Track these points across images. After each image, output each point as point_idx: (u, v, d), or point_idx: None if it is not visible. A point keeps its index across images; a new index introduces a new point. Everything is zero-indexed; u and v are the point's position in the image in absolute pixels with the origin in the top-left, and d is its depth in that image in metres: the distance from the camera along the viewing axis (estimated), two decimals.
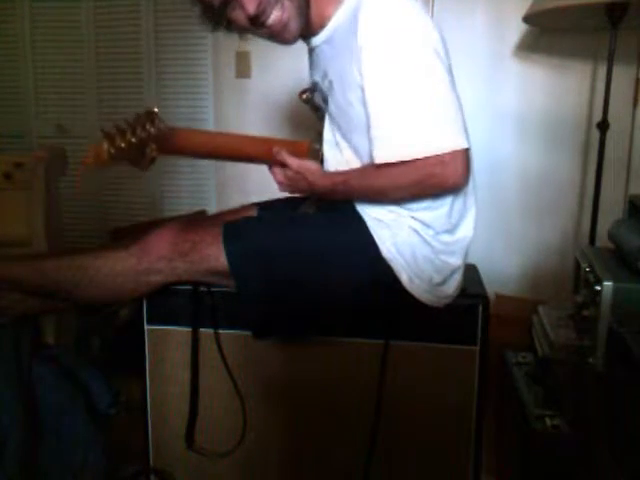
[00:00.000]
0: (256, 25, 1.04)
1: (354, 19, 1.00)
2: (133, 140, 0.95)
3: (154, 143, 0.98)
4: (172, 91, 2.55)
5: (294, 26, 1.05)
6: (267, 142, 1.17)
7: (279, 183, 1.16)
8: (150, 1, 2.48)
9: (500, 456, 1.47)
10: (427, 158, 0.96)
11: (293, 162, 1.11)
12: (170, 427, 1.29)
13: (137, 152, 0.97)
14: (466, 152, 0.98)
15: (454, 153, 0.96)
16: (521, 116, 2.17)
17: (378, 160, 1.00)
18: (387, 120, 0.99)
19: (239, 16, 1.03)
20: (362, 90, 1.01)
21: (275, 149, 1.12)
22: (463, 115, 1.01)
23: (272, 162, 1.14)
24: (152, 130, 0.98)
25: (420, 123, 0.96)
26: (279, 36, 1.07)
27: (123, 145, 0.93)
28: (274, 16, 1.03)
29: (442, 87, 0.98)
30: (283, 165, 1.12)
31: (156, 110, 1.00)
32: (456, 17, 2.14)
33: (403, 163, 0.98)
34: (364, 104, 1.02)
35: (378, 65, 0.98)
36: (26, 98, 2.69)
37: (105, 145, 0.92)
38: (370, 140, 1.02)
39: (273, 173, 1.16)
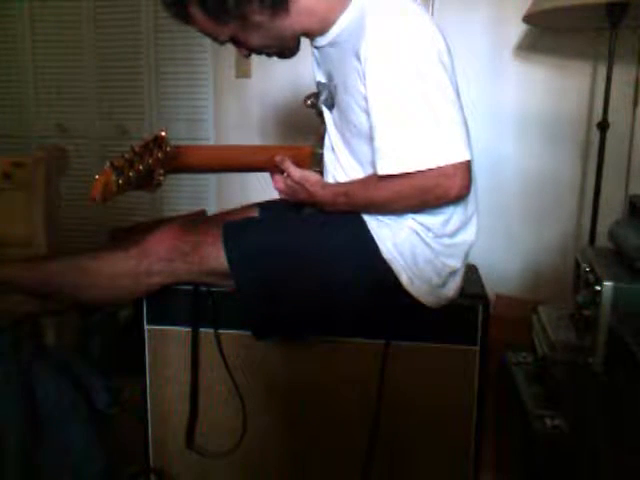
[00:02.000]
0: None
1: (359, 26, 1.00)
2: (141, 168, 0.94)
3: (161, 167, 0.98)
4: (172, 91, 2.55)
5: (282, 58, 1.14)
6: (269, 150, 1.18)
7: (279, 191, 1.16)
8: (150, 1, 2.48)
9: (500, 456, 1.47)
10: (430, 170, 0.96)
11: (294, 172, 1.12)
12: (170, 427, 1.29)
13: (145, 178, 0.97)
14: (468, 164, 0.98)
15: (456, 165, 0.96)
16: (521, 116, 2.17)
17: (381, 171, 1.00)
18: (390, 132, 0.98)
19: None
20: (365, 100, 1.01)
21: (278, 158, 1.13)
22: (467, 126, 1.01)
23: (274, 170, 1.15)
24: (160, 155, 0.97)
25: (423, 135, 0.96)
26: None
27: (132, 175, 0.92)
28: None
29: (446, 99, 0.98)
30: (285, 173, 1.13)
31: (163, 134, 0.99)
32: (456, 17, 2.14)
33: (406, 175, 0.97)
34: (367, 113, 1.02)
35: (382, 77, 0.97)
36: (26, 98, 2.69)
37: (113, 177, 0.90)
38: (373, 151, 1.02)
39: (274, 180, 1.16)
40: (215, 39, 1.08)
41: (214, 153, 1.20)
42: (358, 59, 0.99)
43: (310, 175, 1.12)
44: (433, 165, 0.96)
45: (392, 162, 0.98)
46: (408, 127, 0.97)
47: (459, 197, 1.00)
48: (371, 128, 1.01)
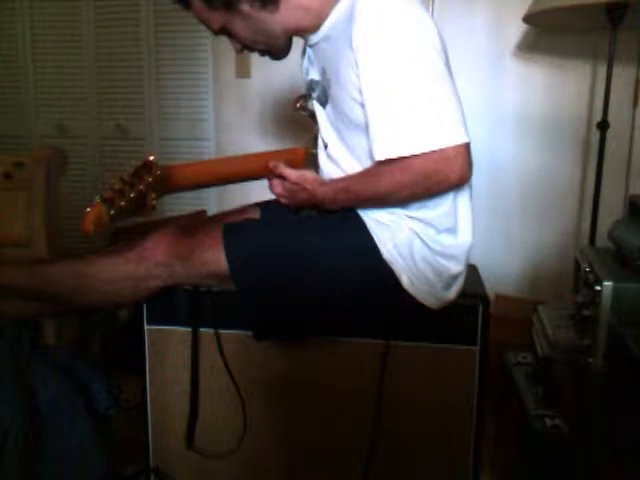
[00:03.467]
0: None
1: (350, 16, 0.99)
2: (132, 196, 0.94)
3: (153, 191, 0.98)
4: (172, 91, 2.55)
5: (272, 57, 1.16)
6: (262, 157, 1.17)
7: (278, 195, 1.16)
8: (150, 1, 2.48)
9: (500, 456, 1.47)
10: (430, 153, 0.94)
11: (290, 173, 1.11)
12: (170, 427, 1.29)
13: (138, 205, 0.97)
14: (467, 146, 0.96)
15: (457, 148, 0.94)
16: (521, 116, 2.17)
17: (378, 157, 0.98)
18: (386, 117, 0.97)
19: None
20: (359, 91, 1.00)
21: (271, 163, 1.12)
22: (462, 109, 0.99)
23: (270, 176, 1.14)
24: (150, 180, 0.97)
25: (420, 119, 0.95)
26: None
27: (123, 204, 0.92)
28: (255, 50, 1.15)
29: (441, 82, 0.97)
30: (281, 177, 1.12)
31: (152, 159, 0.98)
32: (456, 17, 2.15)
33: (405, 161, 0.95)
34: (362, 104, 1.01)
35: (375, 64, 0.97)
36: (26, 98, 2.69)
37: (104, 209, 0.90)
38: (369, 140, 1.01)
39: (272, 186, 1.15)
40: (208, 27, 1.10)
41: (206, 169, 1.18)
42: (351, 48, 0.99)
43: (307, 174, 1.12)
44: (431, 148, 0.93)
45: (389, 146, 0.96)
46: (403, 111, 0.95)
47: (461, 181, 0.97)
48: (366, 117, 1.00)
